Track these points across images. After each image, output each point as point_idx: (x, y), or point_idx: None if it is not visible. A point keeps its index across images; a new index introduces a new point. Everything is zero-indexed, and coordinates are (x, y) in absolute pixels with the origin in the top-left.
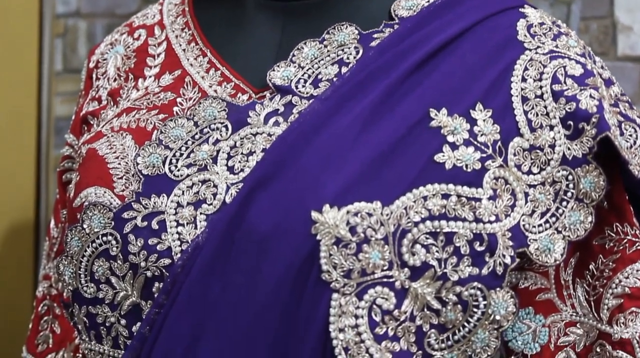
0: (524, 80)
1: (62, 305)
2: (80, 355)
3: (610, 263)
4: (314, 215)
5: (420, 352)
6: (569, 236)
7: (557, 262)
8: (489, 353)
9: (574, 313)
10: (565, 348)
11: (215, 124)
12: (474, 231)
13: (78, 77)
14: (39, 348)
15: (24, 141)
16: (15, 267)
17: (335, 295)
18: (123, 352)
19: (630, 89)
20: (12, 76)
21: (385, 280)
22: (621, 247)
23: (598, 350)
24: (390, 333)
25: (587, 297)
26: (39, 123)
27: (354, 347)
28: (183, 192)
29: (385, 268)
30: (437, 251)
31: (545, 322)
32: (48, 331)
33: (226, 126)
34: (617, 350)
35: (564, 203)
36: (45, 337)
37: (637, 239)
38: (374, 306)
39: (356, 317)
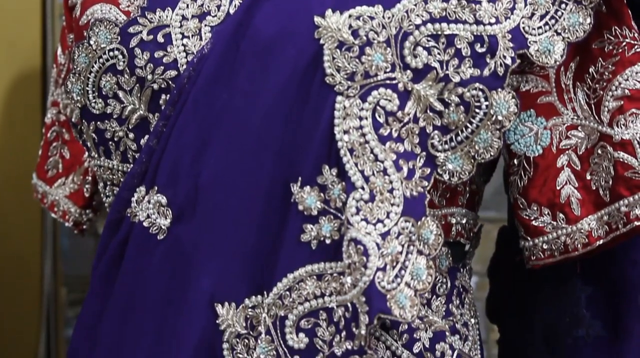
0: None
1: (70, 126)
2: (90, 178)
3: (610, 66)
4: (317, 19)
5: (424, 153)
6: (568, 37)
7: (557, 63)
8: (492, 154)
9: (575, 117)
10: (567, 151)
11: None
12: (475, 33)
13: None
14: (48, 174)
15: None
16: (22, 114)
17: (339, 98)
18: (131, 165)
19: None
20: None
21: (388, 81)
22: (620, 50)
23: (599, 152)
24: (394, 134)
25: (587, 100)
26: None
27: (359, 147)
28: (187, 5)
29: (387, 70)
30: (438, 53)
31: (546, 124)
32: (57, 156)
33: None
34: (618, 151)
35: (563, 5)
36: (55, 162)
37: (635, 42)
38: (378, 107)
39: (360, 118)
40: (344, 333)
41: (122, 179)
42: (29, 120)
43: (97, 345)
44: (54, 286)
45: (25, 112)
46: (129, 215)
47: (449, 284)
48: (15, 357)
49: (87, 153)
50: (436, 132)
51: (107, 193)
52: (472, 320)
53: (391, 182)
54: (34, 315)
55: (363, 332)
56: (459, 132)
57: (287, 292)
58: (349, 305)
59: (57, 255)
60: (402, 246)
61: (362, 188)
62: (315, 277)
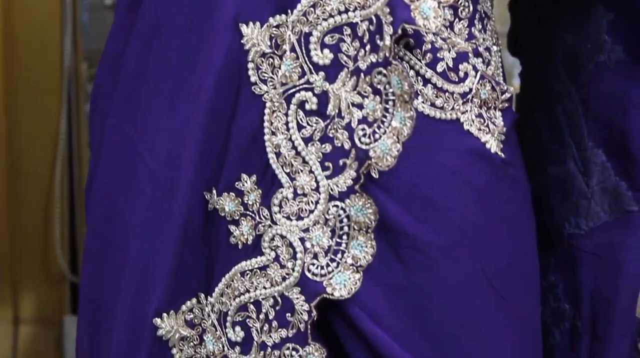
0: None
1: None
2: None
3: None
4: None
5: None
6: None
7: None
8: None
9: None
10: None
11: None
12: None
13: None
14: None
15: None
16: None
17: None
18: None
19: None
20: None
21: None
22: None
23: None
24: None
25: None
26: None
27: None
28: None
29: None
30: None
31: None
32: None
33: None
34: None
35: None
36: None
37: None
38: None
39: None
40: (368, 47)
41: None
42: None
43: (120, 76)
44: (74, 61)
45: None
46: None
47: (471, 8)
48: (38, 131)
49: None
50: None
51: None
52: (495, 47)
53: None
54: (55, 90)
55: (387, 42)
56: None
57: (312, 9)
58: (373, 18)
59: (76, 30)
60: None
61: None
62: None
